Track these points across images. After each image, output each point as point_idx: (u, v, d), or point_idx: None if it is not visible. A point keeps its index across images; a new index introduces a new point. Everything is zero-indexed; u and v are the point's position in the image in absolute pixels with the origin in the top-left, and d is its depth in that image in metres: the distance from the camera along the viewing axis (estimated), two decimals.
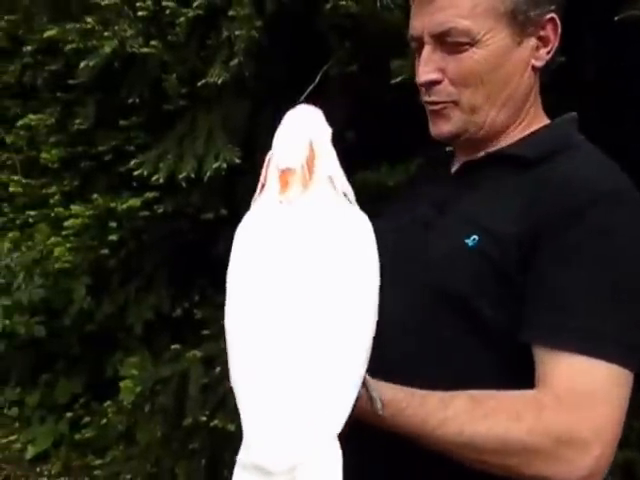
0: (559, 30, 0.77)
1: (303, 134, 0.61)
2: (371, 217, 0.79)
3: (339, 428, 0.53)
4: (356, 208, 0.63)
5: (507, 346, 0.71)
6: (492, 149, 0.79)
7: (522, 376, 0.69)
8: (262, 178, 0.63)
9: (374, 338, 0.62)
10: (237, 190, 1.72)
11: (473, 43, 0.75)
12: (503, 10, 0.74)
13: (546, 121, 0.82)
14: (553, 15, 0.76)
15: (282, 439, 0.52)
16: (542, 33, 0.77)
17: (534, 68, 0.78)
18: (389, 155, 1.55)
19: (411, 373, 0.72)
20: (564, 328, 0.67)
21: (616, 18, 1.03)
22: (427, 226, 0.79)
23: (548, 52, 0.77)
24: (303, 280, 0.56)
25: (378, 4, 1.20)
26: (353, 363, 0.56)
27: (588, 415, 0.64)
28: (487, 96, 0.77)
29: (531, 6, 0.75)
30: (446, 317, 0.73)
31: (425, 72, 0.78)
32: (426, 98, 0.80)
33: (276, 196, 0.59)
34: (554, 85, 0.84)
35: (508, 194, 0.75)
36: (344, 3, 1.27)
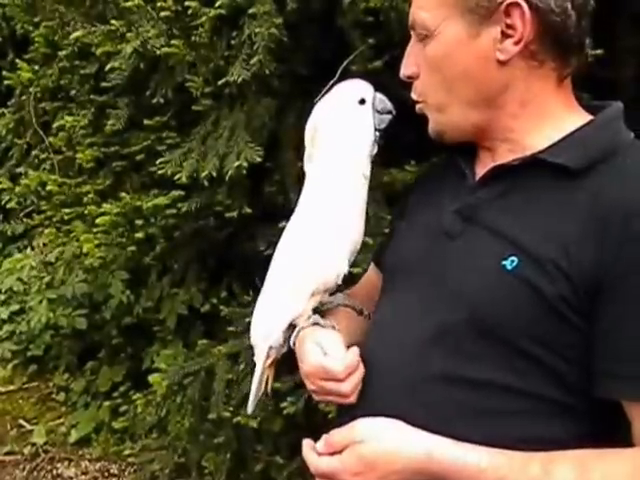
0: (527, 16, 0.65)
1: (312, 118, 0.84)
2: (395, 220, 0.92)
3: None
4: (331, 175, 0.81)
5: (553, 390, 0.64)
6: (522, 154, 0.70)
7: (571, 421, 0.64)
8: None
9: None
10: (262, 188, 1.73)
11: (431, 35, 0.70)
12: None
13: (584, 116, 0.70)
14: (515, 0, 0.65)
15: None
16: (508, 21, 0.66)
17: (500, 62, 0.68)
18: (414, 153, 1.50)
19: (434, 417, 0.66)
20: None
21: None
22: (453, 237, 0.72)
23: (517, 42, 0.66)
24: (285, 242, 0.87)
25: None
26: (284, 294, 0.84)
27: None
28: (448, 92, 0.71)
29: None
30: (479, 352, 0.65)
31: (403, 67, 0.75)
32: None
33: None
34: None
35: (549, 210, 0.66)
36: None
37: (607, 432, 0.65)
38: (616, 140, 0.68)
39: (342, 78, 1.45)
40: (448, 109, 0.73)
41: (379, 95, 0.83)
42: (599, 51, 1.05)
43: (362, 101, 0.82)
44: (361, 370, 0.73)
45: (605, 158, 0.66)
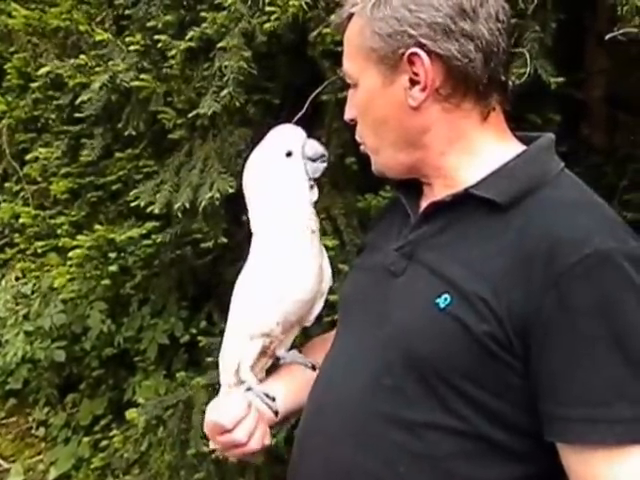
0: (426, 65, 0.66)
1: (245, 169, 0.89)
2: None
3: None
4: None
5: (496, 432, 0.62)
6: (456, 189, 0.70)
7: (516, 464, 0.63)
8: None
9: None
10: (238, 218, 1.71)
11: (355, 84, 0.73)
12: (367, 49, 0.69)
13: (516, 148, 0.71)
14: (414, 50, 0.66)
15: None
16: (414, 69, 0.68)
17: (413, 107, 0.69)
18: (389, 179, 1.50)
19: (372, 458, 0.65)
20: (600, 422, 0.58)
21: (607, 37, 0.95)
22: (396, 275, 0.72)
23: (423, 89, 0.68)
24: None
25: None
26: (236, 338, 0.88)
27: None
28: (377, 137, 0.73)
29: (383, 42, 0.67)
30: (417, 392, 0.65)
31: (345, 111, 0.77)
32: None
33: None
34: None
35: (480, 246, 0.66)
36: (329, 30, 1.24)
37: (553, 475, 0.64)
38: (545, 171, 0.68)
39: (317, 108, 1.46)
40: (380, 152, 0.74)
41: (310, 142, 0.83)
42: (561, 79, 1.06)
43: (289, 154, 0.81)
44: (252, 415, 0.78)
45: (533, 190, 0.66)
